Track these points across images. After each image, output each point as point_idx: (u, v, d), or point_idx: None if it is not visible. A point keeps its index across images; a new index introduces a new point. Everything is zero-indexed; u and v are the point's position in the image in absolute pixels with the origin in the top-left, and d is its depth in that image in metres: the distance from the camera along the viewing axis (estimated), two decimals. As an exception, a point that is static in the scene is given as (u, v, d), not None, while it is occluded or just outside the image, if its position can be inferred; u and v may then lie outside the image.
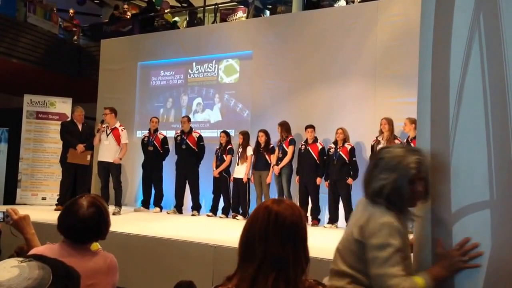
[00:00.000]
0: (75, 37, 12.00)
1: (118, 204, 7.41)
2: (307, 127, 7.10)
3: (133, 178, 9.10)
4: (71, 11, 12.52)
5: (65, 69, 10.98)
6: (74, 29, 12.06)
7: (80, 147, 7.80)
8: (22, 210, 2.41)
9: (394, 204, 1.90)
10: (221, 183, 7.75)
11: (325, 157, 6.98)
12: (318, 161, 6.98)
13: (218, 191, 7.81)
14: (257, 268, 1.33)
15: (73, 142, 7.84)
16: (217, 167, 7.76)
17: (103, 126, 7.56)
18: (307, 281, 1.37)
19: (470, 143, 2.00)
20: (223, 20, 10.32)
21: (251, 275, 1.32)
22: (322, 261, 3.92)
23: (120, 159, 7.44)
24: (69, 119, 8.56)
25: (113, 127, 7.51)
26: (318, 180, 6.95)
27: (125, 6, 12.22)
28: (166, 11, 11.68)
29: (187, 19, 11.17)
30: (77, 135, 7.94)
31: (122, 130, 7.51)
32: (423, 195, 1.96)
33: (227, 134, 7.92)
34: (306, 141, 7.14)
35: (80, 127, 8.04)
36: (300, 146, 7.19)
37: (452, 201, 2.06)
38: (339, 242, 2.05)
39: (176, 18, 11.63)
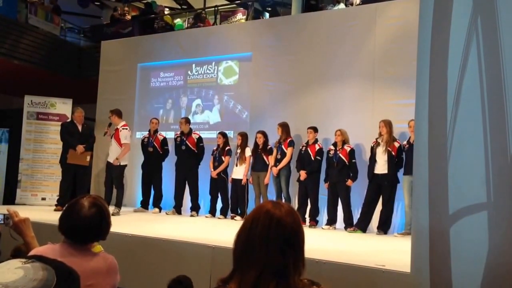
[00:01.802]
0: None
1: (118, 204, 7.39)
2: (309, 128, 7.12)
3: (133, 179, 9.10)
4: None
5: (66, 70, 10.99)
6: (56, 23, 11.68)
7: (80, 148, 7.81)
8: (21, 210, 2.42)
9: None
10: (219, 184, 7.76)
11: (318, 157, 6.97)
12: (315, 161, 7.00)
13: (215, 192, 7.82)
14: (258, 275, 1.32)
15: (73, 143, 7.85)
16: (215, 168, 7.77)
17: (109, 129, 7.59)
18: (301, 281, 1.37)
19: (467, 145, 2.01)
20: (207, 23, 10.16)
21: (252, 282, 1.31)
22: (319, 262, 3.93)
23: (117, 159, 7.34)
24: (69, 120, 8.58)
25: (116, 128, 7.54)
26: (302, 173, 6.95)
27: (125, 8, 12.19)
28: (166, 13, 11.69)
29: (192, 22, 11.08)
30: (77, 136, 7.97)
31: (121, 130, 7.46)
32: None
33: (224, 135, 7.93)
34: (308, 142, 7.16)
35: (80, 128, 8.06)
36: (301, 147, 7.20)
37: (449, 202, 2.06)
38: None
39: (179, 20, 11.59)
